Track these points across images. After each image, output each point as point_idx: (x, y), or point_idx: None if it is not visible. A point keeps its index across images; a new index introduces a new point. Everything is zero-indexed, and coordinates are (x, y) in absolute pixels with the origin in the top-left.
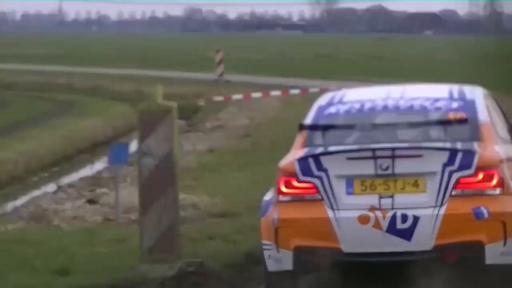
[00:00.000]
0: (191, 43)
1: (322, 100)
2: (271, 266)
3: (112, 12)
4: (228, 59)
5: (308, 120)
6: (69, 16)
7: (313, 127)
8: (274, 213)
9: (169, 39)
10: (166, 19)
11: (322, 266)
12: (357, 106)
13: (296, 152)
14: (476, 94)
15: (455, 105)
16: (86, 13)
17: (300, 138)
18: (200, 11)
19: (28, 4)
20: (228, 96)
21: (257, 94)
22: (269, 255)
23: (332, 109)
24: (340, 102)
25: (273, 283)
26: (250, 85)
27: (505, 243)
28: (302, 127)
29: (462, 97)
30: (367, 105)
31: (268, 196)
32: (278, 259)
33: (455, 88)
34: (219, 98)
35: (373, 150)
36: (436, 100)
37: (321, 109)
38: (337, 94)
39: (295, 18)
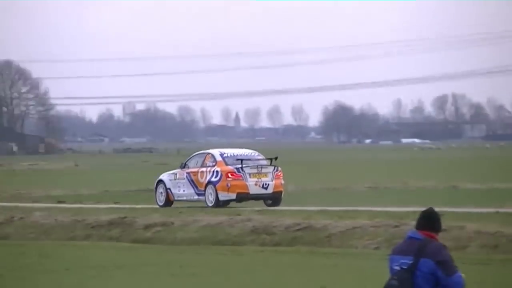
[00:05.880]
0: None
1: (217, 152)
2: (222, 198)
3: None
4: None
5: (220, 157)
6: None
7: (228, 158)
8: (226, 183)
9: None
10: None
11: (243, 198)
12: (234, 155)
13: (224, 166)
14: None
15: (260, 155)
16: None
17: (219, 163)
18: None
19: None
20: None
21: None
22: (222, 195)
23: (226, 155)
24: (224, 153)
25: (219, 204)
26: None
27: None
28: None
29: (259, 153)
30: (237, 154)
31: (213, 179)
32: (228, 196)
33: (254, 150)
34: None
35: (257, 165)
36: (256, 153)
37: (221, 155)
38: (220, 151)
39: None
